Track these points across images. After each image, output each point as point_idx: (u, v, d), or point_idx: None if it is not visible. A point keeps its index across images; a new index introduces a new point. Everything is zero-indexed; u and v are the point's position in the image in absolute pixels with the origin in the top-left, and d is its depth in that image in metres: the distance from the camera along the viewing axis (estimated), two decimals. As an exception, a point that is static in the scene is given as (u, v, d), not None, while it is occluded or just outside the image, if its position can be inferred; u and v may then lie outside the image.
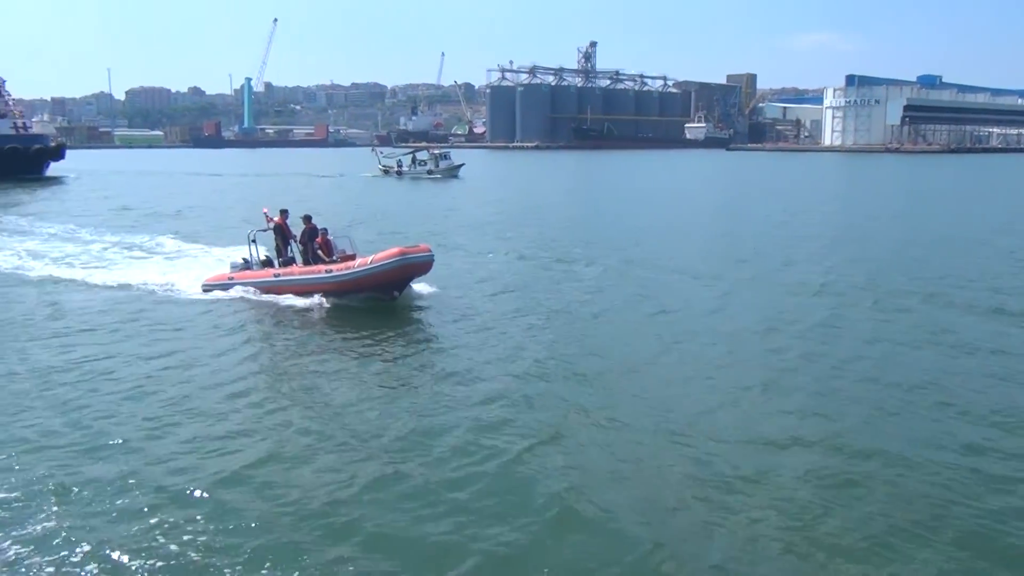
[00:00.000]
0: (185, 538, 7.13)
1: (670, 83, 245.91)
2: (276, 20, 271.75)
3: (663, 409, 10.27)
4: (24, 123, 74.47)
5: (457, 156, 75.41)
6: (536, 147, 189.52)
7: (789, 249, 25.06)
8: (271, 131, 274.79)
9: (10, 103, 73.11)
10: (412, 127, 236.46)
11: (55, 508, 7.64)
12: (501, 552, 6.93)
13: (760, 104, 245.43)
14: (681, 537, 7.12)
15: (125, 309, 16.77)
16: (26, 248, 25.46)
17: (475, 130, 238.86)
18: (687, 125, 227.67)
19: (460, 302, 17.06)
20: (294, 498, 7.88)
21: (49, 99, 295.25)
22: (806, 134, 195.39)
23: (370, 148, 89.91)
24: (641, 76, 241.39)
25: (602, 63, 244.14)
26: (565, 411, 10.30)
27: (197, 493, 7.98)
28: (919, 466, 8.46)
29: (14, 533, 7.16)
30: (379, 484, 8.18)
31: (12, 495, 7.92)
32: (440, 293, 17.60)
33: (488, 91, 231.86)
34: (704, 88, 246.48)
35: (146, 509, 7.62)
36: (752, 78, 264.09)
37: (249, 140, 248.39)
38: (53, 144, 74.25)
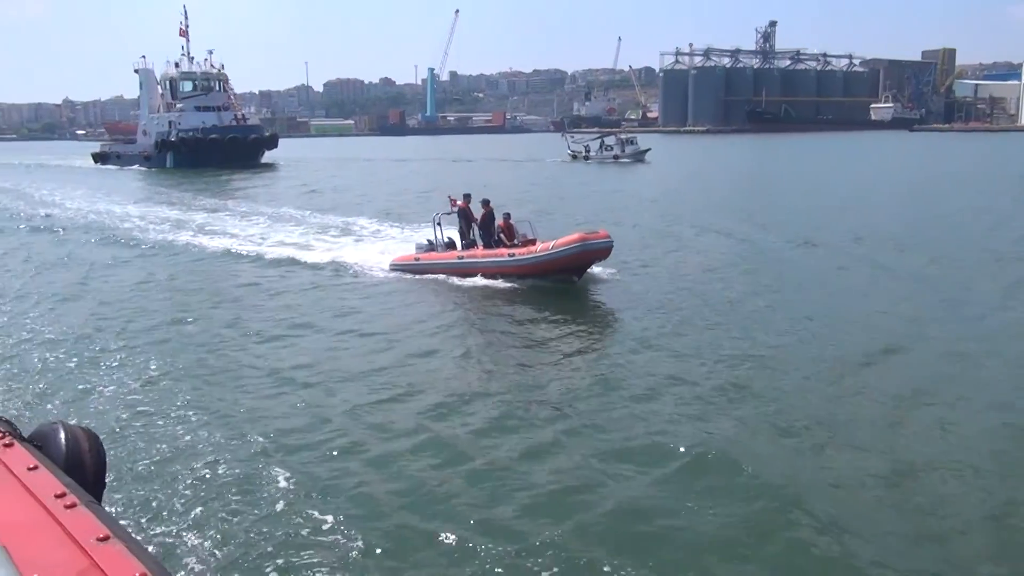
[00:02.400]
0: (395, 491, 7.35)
1: (856, 61, 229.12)
2: (457, 11, 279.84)
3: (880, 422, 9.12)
4: (243, 115, 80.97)
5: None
6: (707, 131, 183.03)
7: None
8: (451, 118, 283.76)
9: (232, 97, 78.96)
10: (585, 112, 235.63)
11: (278, 469, 7.86)
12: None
13: (958, 81, 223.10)
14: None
15: (324, 285, 17.72)
16: (241, 229, 27.50)
17: (648, 115, 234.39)
18: (873, 106, 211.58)
19: (638, 287, 16.62)
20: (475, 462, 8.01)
21: (257, 92, 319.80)
22: (1011, 112, 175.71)
23: (560, 134, 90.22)
24: (824, 55, 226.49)
25: (782, 43, 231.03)
26: (758, 410, 9.51)
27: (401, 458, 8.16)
28: None
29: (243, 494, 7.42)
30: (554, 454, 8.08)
31: (233, 456, 8.25)
32: (619, 277, 17.31)
33: (661, 75, 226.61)
34: (894, 65, 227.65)
35: (349, 463, 7.82)
36: (950, 53, 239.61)
37: (431, 128, 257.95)
38: (268, 134, 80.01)
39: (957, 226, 25.25)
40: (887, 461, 7.91)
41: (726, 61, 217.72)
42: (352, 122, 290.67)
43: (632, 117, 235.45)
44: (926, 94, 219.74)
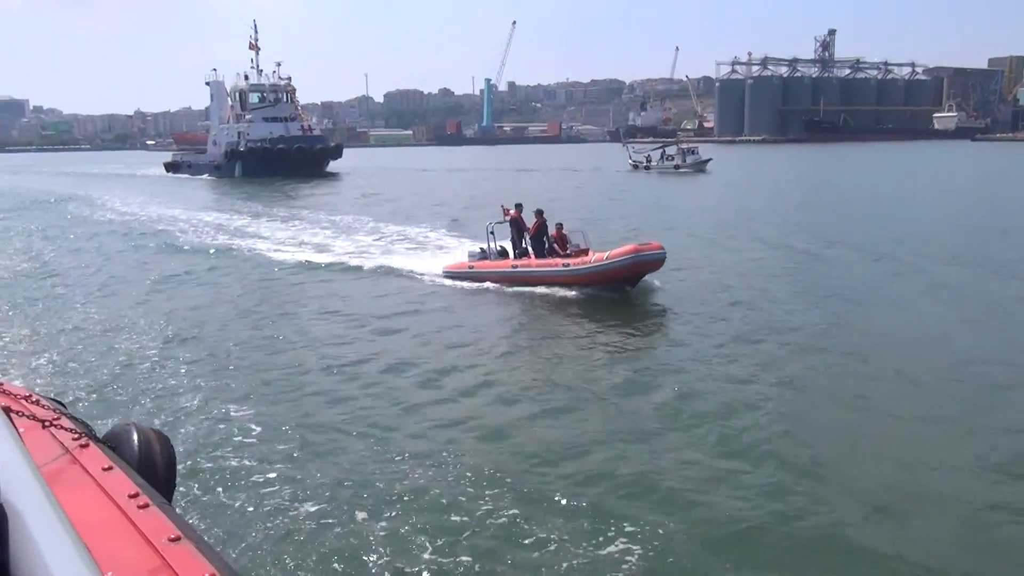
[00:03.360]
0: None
1: (919, 70, 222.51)
2: (514, 23, 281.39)
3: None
4: (310, 126, 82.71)
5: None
6: (763, 141, 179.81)
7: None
8: (508, 129, 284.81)
9: (299, 108, 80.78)
10: (641, 122, 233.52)
11: (344, 472, 7.99)
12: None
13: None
14: None
15: (381, 292, 17.97)
16: (306, 237, 27.99)
17: (705, 125, 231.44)
18: (936, 115, 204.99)
19: (691, 298, 16.40)
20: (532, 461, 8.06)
21: (319, 103, 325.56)
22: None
23: (621, 144, 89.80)
24: (886, 64, 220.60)
25: (842, 51, 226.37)
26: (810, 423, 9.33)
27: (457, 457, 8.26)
28: None
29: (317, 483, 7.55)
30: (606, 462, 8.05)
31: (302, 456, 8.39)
32: (671, 289, 17.15)
33: (717, 85, 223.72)
34: (959, 73, 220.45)
35: (397, 463, 7.89)
36: (1018, 61, 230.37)
37: (487, 138, 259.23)
38: (333, 144, 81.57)
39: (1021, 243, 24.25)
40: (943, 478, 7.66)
41: (784, 70, 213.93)
42: (410, 132, 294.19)
43: (688, 127, 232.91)
44: (992, 103, 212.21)
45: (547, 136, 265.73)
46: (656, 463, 8.07)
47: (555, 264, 17.33)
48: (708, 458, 8.19)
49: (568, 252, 17.51)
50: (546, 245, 17.99)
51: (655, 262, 16.65)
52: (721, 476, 7.75)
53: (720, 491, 7.41)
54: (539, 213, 18.34)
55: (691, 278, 18.41)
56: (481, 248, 19.24)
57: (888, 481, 7.60)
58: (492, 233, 18.97)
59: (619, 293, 16.45)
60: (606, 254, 16.56)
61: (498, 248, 18.94)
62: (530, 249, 18.29)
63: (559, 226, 18.13)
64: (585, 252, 17.21)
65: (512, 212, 18.65)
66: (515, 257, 18.46)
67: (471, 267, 18.82)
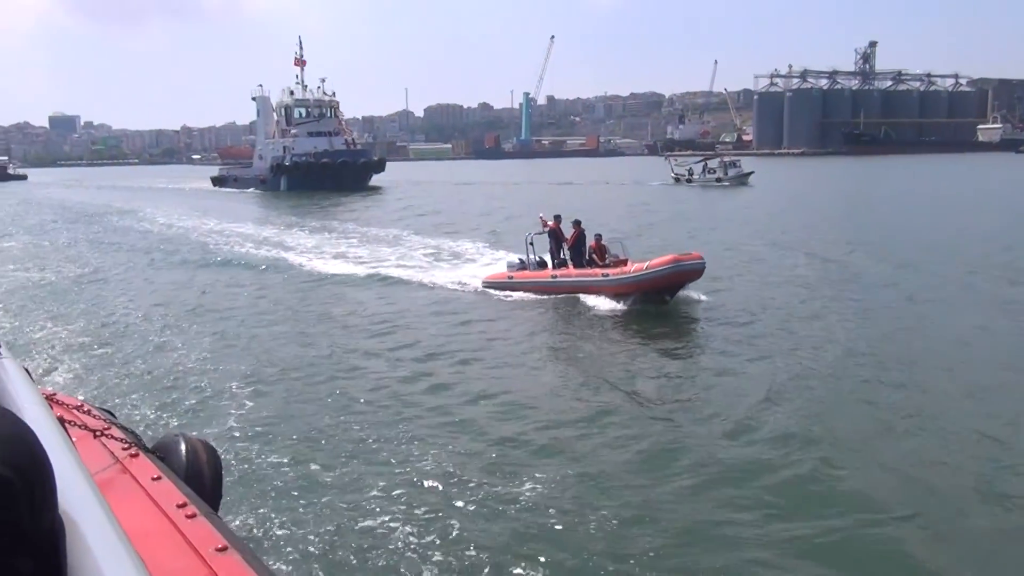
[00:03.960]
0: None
1: (963, 81, 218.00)
2: (552, 38, 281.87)
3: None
4: (354, 140, 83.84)
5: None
6: (802, 154, 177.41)
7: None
8: (546, 142, 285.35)
9: (343, 123, 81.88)
10: (679, 136, 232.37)
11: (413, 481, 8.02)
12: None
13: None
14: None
15: (423, 302, 18.10)
16: (349, 249, 28.34)
17: (744, 138, 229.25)
18: (980, 127, 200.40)
19: (729, 308, 16.30)
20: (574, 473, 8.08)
21: (360, 117, 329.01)
22: None
23: (662, 157, 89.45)
24: (928, 75, 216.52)
25: (883, 63, 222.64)
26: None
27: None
28: None
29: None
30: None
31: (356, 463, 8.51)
32: (711, 299, 17.01)
33: (755, 98, 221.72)
34: (1004, 85, 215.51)
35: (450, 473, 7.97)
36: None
37: (525, 151, 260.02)
38: (376, 158, 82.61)
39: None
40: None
41: (823, 83, 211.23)
42: (449, 146, 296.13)
43: (727, 140, 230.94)
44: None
45: (585, 150, 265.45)
46: (703, 492, 7.80)
47: (594, 274, 17.35)
48: (753, 491, 7.82)
49: (607, 262, 17.52)
50: (585, 256, 18.03)
51: (695, 272, 16.56)
52: (759, 506, 7.46)
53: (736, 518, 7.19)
54: (576, 224, 18.42)
55: (731, 289, 18.26)
56: (520, 259, 19.32)
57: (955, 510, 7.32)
58: (531, 244, 19.07)
59: (658, 303, 16.40)
60: (645, 264, 16.55)
61: (537, 259, 19.01)
62: (568, 260, 18.35)
63: (598, 237, 18.16)
64: (624, 262, 17.22)
65: (551, 223, 18.76)
66: (553, 267, 18.53)
67: (510, 277, 18.89)
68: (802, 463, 8.24)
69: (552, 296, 17.59)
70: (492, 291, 18.71)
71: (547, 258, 18.97)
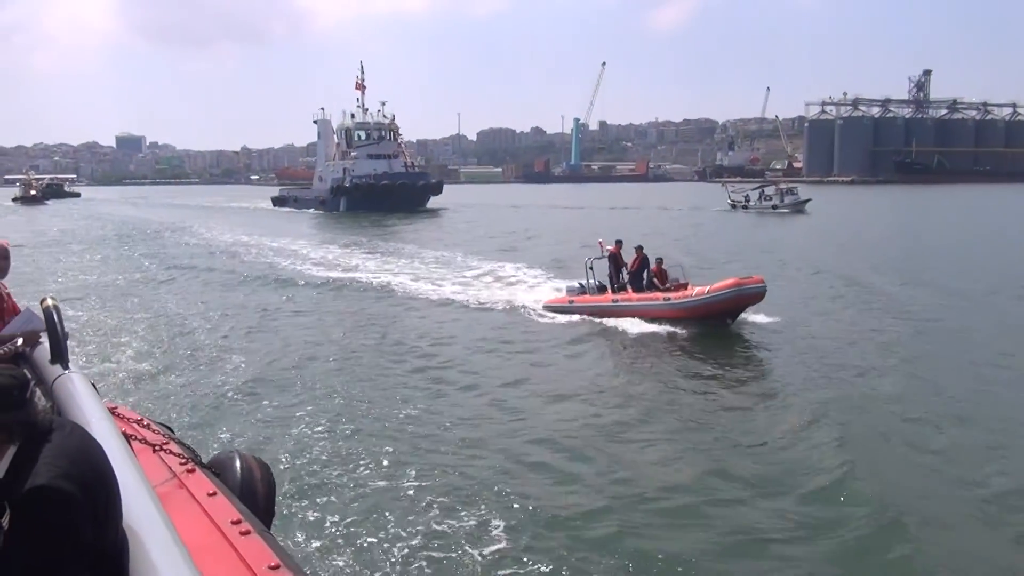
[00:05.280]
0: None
1: (1021, 110, 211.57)
2: (604, 64, 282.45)
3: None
4: (413, 163, 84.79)
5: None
6: (852, 181, 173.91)
7: None
8: (595, 167, 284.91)
9: (402, 146, 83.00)
10: (728, 162, 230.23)
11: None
12: None
13: None
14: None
15: (483, 325, 18.28)
16: (408, 271, 28.48)
17: (795, 165, 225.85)
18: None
19: (790, 332, 16.36)
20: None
21: (415, 141, 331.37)
22: None
23: (710, 182, 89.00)
24: (984, 104, 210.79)
25: (937, 92, 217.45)
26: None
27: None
28: None
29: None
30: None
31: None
32: (772, 323, 17.04)
33: (806, 125, 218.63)
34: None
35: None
36: None
37: (575, 176, 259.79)
38: (434, 181, 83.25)
39: None
40: None
41: (876, 111, 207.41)
42: (500, 170, 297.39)
43: (777, 167, 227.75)
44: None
45: (634, 175, 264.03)
46: (755, 520, 7.70)
47: (655, 298, 17.45)
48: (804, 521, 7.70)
49: (668, 286, 17.61)
50: (645, 280, 18.14)
51: (756, 295, 16.59)
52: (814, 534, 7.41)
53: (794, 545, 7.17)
54: (639, 249, 18.59)
55: (792, 313, 18.16)
56: (580, 283, 19.46)
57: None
58: (591, 268, 19.25)
59: (720, 327, 16.45)
60: (707, 288, 16.62)
61: (596, 283, 19.17)
62: (628, 284, 18.46)
63: (659, 260, 18.35)
64: (684, 286, 17.31)
65: (612, 248, 18.95)
66: (613, 292, 18.66)
67: (571, 301, 19.04)
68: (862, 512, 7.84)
69: (613, 320, 17.68)
70: (553, 314, 18.83)
71: (606, 282, 19.12)
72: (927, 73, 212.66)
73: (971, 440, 9.85)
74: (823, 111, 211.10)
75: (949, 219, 58.30)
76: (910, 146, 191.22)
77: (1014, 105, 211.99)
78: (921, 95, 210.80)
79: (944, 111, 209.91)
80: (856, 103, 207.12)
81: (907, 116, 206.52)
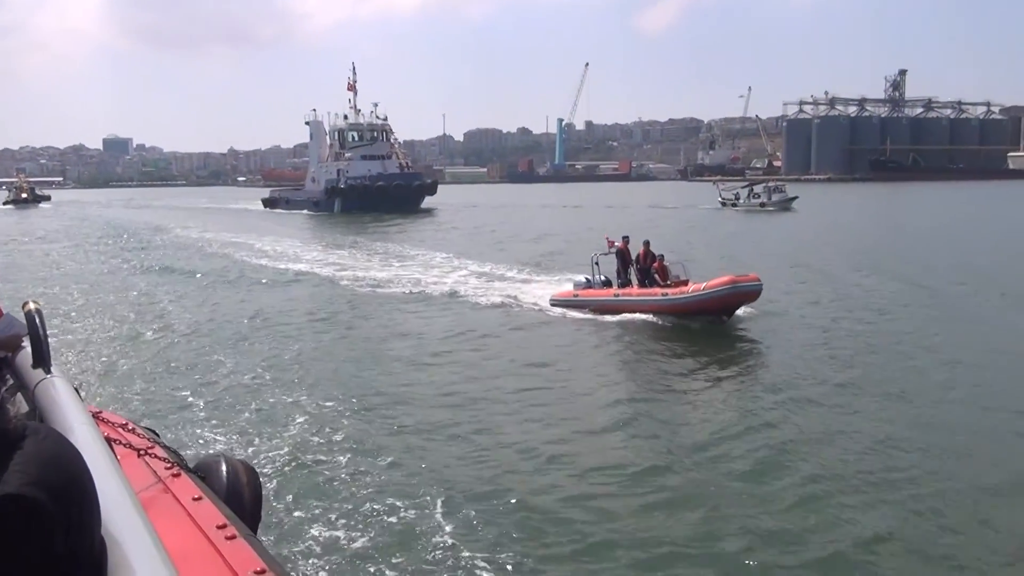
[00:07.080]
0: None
1: (995, 109, 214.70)
2: (587, 64, 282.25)
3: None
4: (407, 163, 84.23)
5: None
6: (828, 179, 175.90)
7: None
8: (579, 167, 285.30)
9: (395, 146, 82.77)
10: (709, 161, 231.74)
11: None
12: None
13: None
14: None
15: (492, 320, 18.78)
16: (408, 270, 28.71)
17: (775, 163, 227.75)
18: (1010, 154, 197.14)
19: (785, 329, 17.01)
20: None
21: (402, 141, 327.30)
22: None
23: (712, 182, 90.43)
24: (959, 103, 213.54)
25: (913, 91, 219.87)
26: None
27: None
28: None
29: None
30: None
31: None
32: (766, 320, 17.67)
33: (784, 124, 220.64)
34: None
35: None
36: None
37: (559, 175, 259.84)
38: (429, 181, 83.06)
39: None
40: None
41: (852, 110, 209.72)
42: (485, 170, 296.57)
43: (757, 165, 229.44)
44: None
45: (617, 174, 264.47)
46: (755, 521, 7.67)
47: (655, 293, 18.20)
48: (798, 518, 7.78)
49: (668, 282, 18.40)
50: (650, 275, 18.95)
51: (752, 293, 17.28)
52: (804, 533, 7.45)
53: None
54: (646, 244, 19.41)
55: (787, 310, 18.75)
56: (586, 278, 20.24)
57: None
58: (596, 264, 20.10)
59: (717, 322, 17.17)
60: (704, 284, 17.33)
61: (602, 278, 20.03)
62: (634, 279, 19.31)
63: (660, 257, 19.05)
64: (684, 283, 18.01)
65: (619, 244, 19.77)
66: (618, 287, 19.51)
67: (576, 295, 19.83)
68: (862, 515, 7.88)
69: (614, 314, 18.39)
70: (559, 308, 19.61)
71: (613, 277, 19.94)
72: (902, 73, 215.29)
73: (971, 440, 9.96)
74: (801, 110, 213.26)
75: (931, 216, 58.95)
76: (885, 144, 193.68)
77: (988, 104, 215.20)
78: (897, 94, 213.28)
79: (919, 110, 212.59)
80: (833, 102, 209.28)
81: (883, 115, 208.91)
